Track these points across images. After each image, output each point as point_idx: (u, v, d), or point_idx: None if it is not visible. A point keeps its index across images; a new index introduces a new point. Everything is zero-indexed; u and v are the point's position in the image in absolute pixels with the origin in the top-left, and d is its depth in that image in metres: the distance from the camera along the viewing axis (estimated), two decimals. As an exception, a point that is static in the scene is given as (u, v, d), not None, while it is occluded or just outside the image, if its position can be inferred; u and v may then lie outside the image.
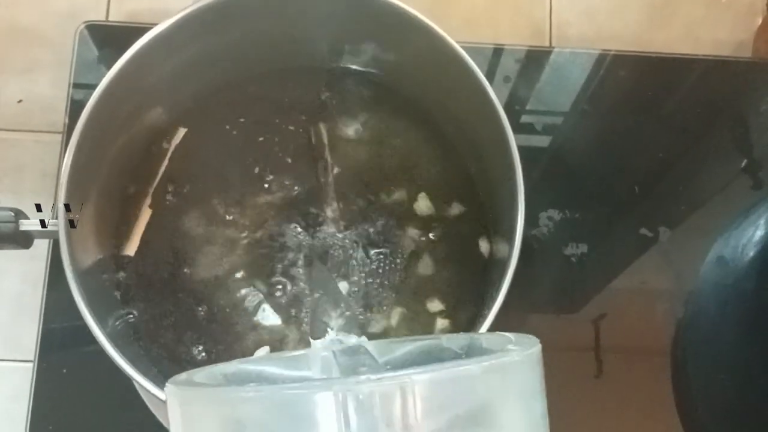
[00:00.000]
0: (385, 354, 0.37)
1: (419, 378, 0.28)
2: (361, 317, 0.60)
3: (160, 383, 0.56)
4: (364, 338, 0.38)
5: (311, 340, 0.37)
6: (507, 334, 0.35)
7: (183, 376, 0.34)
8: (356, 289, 0.61)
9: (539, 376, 0.32)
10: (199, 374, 0.35)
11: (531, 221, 0.72)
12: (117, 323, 0.58)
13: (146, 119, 0.62)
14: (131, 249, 0.61)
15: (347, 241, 0.62)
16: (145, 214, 0.62)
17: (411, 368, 0.29)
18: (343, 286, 0.60)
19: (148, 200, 0.62)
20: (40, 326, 0.69)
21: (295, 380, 0.37)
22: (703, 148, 0.78)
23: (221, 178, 0.64)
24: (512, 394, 0.31)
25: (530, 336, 0.34)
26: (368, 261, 0.62)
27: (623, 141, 0.77)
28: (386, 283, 0.61)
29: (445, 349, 0.37)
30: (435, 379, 0.29)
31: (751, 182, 0.77)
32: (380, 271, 0.62)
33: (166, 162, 0.63)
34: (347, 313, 0.59)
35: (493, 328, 0.51)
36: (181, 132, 0.64)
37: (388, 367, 0.37)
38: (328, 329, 0.56)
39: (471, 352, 0.36)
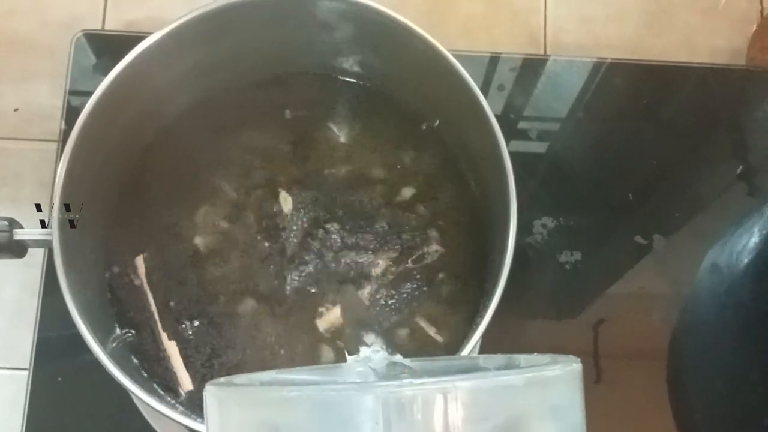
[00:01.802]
0: (422, 369, 0.37)
1: (462, 385, 0.29)
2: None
3: (156, 394, 0.57)
4: (399, 356, 0.37)
5: (347, 355, 0.37)
6: (545, 355, 0.35)
7: (222, 379, 0.35)
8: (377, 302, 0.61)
9: (579, 393, 0.32)
10: (239, 379, 0.36)
11: (525, 229, 0.72)
12: (113, 343, 0.58)
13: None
14: (186, 385, 0.58)
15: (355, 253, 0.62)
16: (173, 350, 0.59)
17: (454, 375, 0.30)
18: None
19: (164, 334, 0.59)
20: (36, 334, 0.69)
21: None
22: (698, 156, 0.78)
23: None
24: (552, 409, 0.31)
25: (569, 356, 0.34)
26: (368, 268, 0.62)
27: (618, 148, 0.78)
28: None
29: (482, 368, 0.37)
30: (478, 387, 0.29)
31: (746, 189, 0.77)
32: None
33: (150, 297, 0.60)
34: (379, 338, 0.59)
35: (488, 335, 0.51)
36: (141, 260, 0.61)
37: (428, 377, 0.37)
38: (362, 347, 0.56)
39: (507, 368, 0.36)
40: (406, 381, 0.30)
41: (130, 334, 0.59)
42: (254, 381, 0.36)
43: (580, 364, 0.33)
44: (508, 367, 0.36)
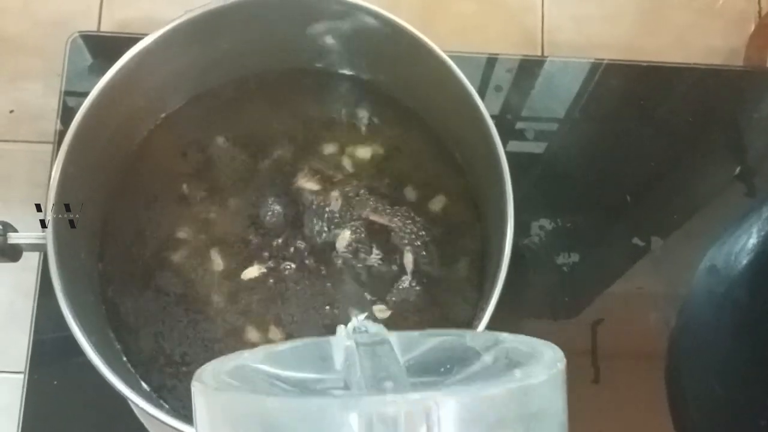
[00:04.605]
0: (408, 349, 0.38)
1: (444, 400, 0.29)
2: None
3: (149, 397, 0.56)
4: (384, 329, 0.38)
5: (338, 326, 0.39)
6: (530, 338, 0.36)
7: (209, 366, 0.34)
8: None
9: (562, 395, 0.33)
10: (229, 363, 0.35)
11: (523, 230, 0.72)
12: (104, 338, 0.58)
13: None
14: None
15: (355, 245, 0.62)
16: None
17: (435, 388, 0.31)
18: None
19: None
20: (31, 338, 0.69)
21: (318, 383, 0.38)
22: (696, 156, 0.78)
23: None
24: (534, 415, 0.32)
25: (553, 346, 0.35)
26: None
27: (615, 149, 0.77)
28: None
29: (469, 348, 0.38)
30: (460, 401, 0.30)
31: (745, 189, 0.76)
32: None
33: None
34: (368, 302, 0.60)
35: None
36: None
37: (411, 362, 0.37)
38: (353, 317, 0.57)
39: (493, 352, 0.37)
40: (389, 397, 0.30)
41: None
42: (245, 365, 0.36)
43: (564, 362, 0.33)
44: (494, 348, 0.37)
